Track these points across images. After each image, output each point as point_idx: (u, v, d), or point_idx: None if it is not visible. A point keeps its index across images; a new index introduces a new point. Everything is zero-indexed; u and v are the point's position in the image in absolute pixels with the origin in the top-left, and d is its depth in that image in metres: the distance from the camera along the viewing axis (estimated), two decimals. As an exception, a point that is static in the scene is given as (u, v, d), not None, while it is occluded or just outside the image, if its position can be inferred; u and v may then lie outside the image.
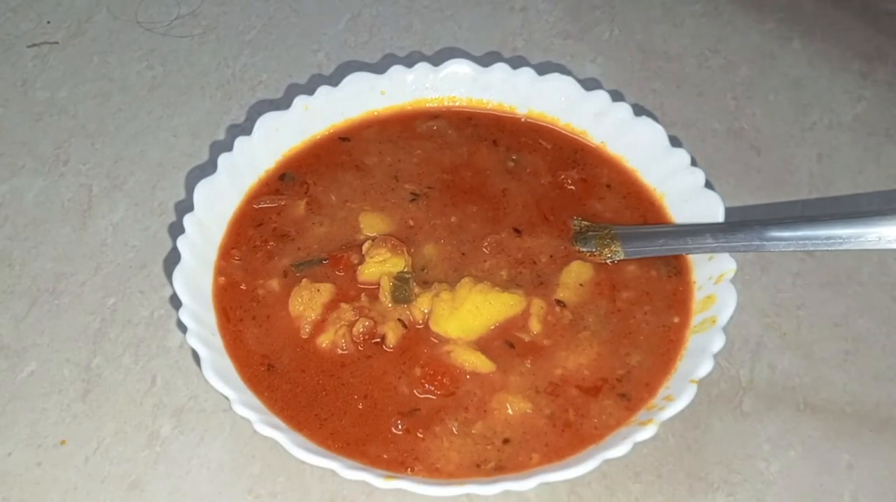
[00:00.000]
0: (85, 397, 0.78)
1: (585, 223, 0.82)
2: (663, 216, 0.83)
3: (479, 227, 0.82)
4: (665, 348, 0.74)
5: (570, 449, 0.69)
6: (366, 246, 0.79)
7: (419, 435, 0.70)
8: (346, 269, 0.79)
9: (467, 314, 0.75)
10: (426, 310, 0.76)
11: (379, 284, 0.77)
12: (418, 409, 0.72)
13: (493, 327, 0.75)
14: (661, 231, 0.81)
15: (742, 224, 0.77)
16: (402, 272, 0.77)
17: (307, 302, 0.76)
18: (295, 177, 0.86)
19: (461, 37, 1.06)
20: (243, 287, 0.78)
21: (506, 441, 0.70)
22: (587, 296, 0.78)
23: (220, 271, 0.79)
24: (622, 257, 0.79)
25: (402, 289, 0.76)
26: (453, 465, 0.69)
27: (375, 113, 0.90)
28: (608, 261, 0.79)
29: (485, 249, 0.80)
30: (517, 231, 0.82)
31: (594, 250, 0.80)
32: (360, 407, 0.72)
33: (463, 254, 0.80)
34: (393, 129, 0.89)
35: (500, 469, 0.69)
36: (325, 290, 0.77)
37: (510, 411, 0.71)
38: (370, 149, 0.88)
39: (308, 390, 0.73)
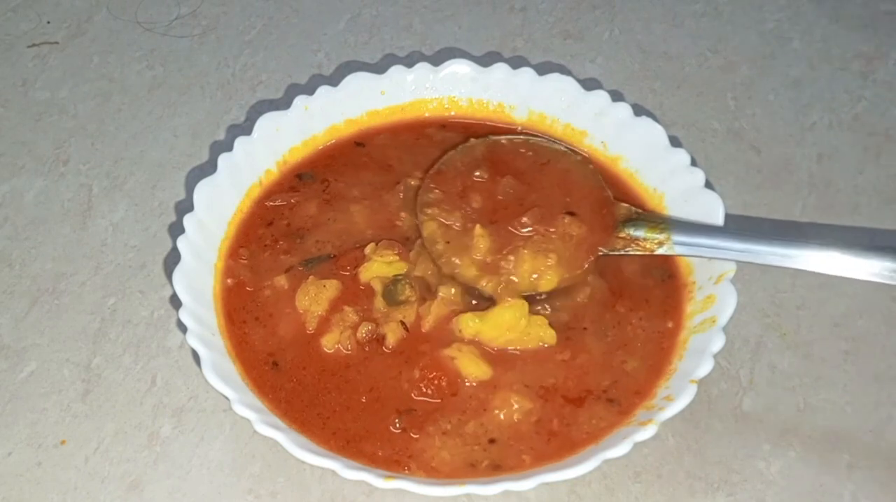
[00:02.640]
0: (85, 397, 0.78)
1: (637, 210, 0.81)
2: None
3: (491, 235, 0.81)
4: (659, 355, 0.74)
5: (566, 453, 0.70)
6: (369, 248, 0.79)
7: (413, 435, 0.70)
8: (351, 269, 0.79)
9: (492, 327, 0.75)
10: (429, 313, 0.76)
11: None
12: (414, 409, 0.72)
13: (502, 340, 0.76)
14: (715, 230, 0.78)
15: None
16: (396, 275, 0.78)
17: (313, 296, 0.76)
18: (314, 175, 0.86)
19: (461, 37, 1.06)
20: (249, 289, 0.78)
21: (492, 441, 0.70)
22: (586, 304, 0.78)
23: (227, 271, 0.79)
24: (672, 251, 0.78)
25: (393, 292, 0.76)
26: (448, 466, 0.69)
27: (381, 113, 0.90)
28: (654, 252, 0.78)
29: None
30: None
31: (644, 236, 0.79)
32: (364, 400, 0.72)
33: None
34: (406, 136, 0.89)
35: (497, 467, 0.69)
36: (332, 286, 0.77)
37: (502, 417, 0.71)
38: (387, 154, 0.88)
39: (310, 388, 0.73)
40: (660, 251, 0.78)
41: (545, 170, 0.84)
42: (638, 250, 0.79)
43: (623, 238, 0.79)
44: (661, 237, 0.78)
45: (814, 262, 0.73)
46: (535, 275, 0.77)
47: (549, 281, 0.77)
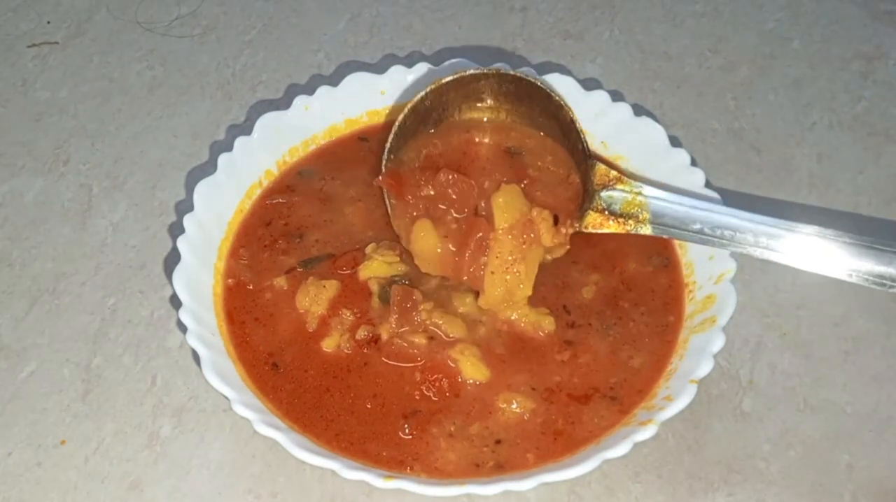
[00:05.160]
0: (85, 397, 0.78)
1: (615, 174, 0.77)
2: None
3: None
4: (664, 350, 0.75)
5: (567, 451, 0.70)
6: (370, 247, 0.80)
7: (413, 435, 0.71)
8: (350, 269, 0.79)
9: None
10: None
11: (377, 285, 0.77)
12: (419, 411, 0.72)
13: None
14: (699, 210, 0.75)
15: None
16: (394, 275, 0.78)
17: (313, 297, 0.77)
18: (315, 172, 0.86)
19: (461, 37, 1.06)
20: (250, 287, 0.79)
21: (498, 441, 0.70)
22: (589, 298, 0.78)
23: (228, 271, 0.79)
24: (648, 231, 0.76)
25: (389, 293, 0.77)
26: (452, 466, 0.69)
27: (381, 113, 0.90)
28: (630, 231, 0.77)
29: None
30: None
31: (617, 212, 0.77)
32: (369, 405, 0.72)
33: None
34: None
35: (500, 467, 0.69)
36: (331, 286, 0.77)
37: (506, 416, 0.71)
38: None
39: (312, 390, 0.73)
40: (636, 231, 0.76)
41: (511, 156, 0.82)
42: (614, 228, 0.77)
43: (599, 212, 0.77)
44: (638, 214, 0.77)
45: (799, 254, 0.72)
46: (509, 298, 0.75)
47: (523, 291, 0.75)
